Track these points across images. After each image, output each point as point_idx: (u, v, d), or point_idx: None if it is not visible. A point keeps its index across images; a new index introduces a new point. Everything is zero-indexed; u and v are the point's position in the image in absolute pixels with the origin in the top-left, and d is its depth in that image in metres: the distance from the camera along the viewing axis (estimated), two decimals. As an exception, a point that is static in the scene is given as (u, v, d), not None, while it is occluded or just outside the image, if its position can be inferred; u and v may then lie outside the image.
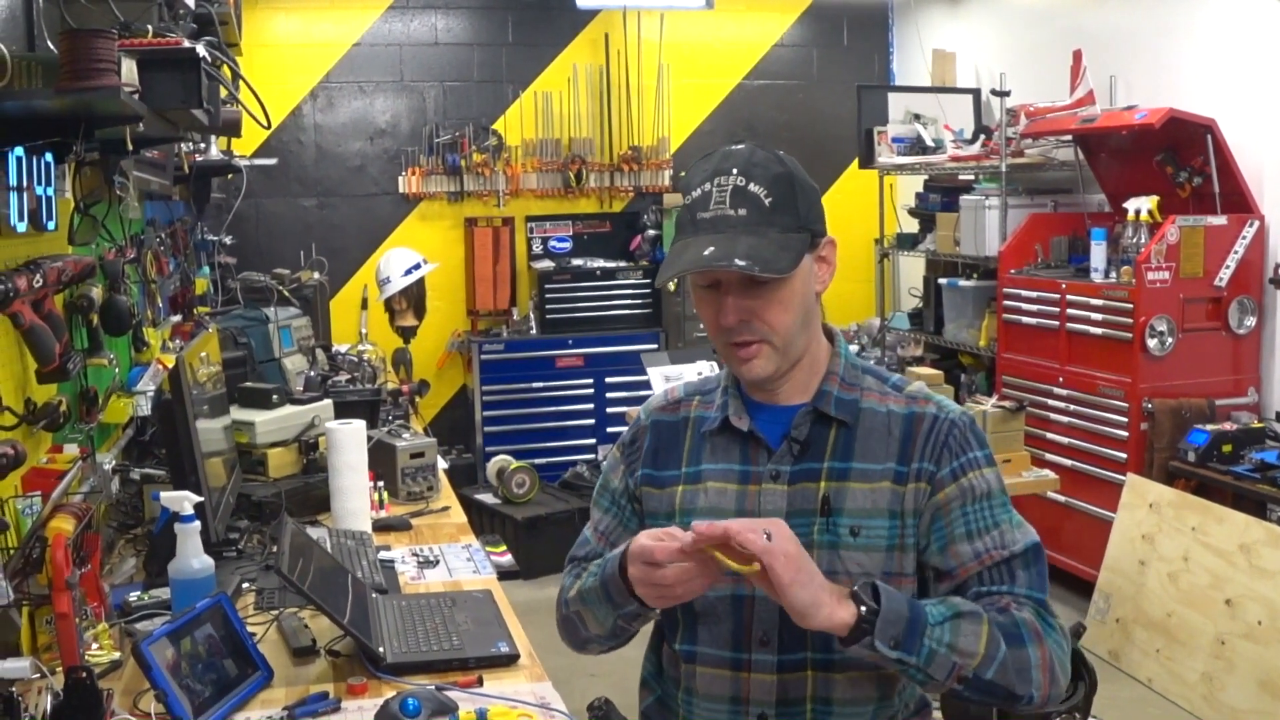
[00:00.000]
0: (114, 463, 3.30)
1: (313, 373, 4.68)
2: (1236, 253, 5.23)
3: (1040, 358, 5.79)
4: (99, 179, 3.11)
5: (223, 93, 2.78)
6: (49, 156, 2.49)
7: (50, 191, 2.55)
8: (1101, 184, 6.05)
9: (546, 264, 7.48)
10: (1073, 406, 5.57)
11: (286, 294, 5.27)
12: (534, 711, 2.09)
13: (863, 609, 1.62)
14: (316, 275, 6.03)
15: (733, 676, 1.80)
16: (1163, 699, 4.67)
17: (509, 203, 7.55)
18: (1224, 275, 5.24)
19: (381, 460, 3.66)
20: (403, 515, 3.44)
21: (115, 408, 3.22)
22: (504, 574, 3.13)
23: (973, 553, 1.76)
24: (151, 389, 3.39)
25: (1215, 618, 4.53)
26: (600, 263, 7.54)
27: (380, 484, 3.57)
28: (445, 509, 3.59)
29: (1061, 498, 5.56)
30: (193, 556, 2.43)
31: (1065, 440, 5.61)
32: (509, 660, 2.32)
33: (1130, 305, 5.21)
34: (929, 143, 6.79)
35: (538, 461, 6.82)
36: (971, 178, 6.60)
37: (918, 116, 6.99)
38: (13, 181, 2.33)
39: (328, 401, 3.85)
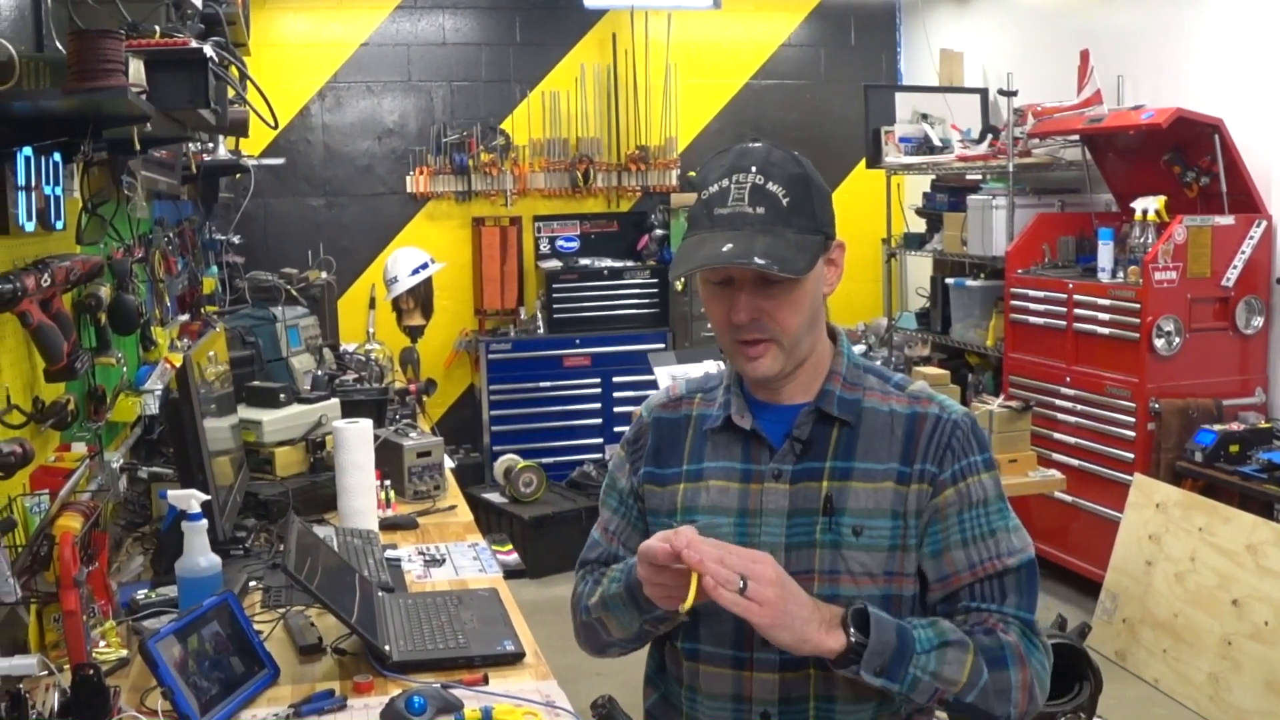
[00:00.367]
0: (122, 461, 3.31)
1: (320, 372, 4.69)
2: (1244, 253, 5.22)
3: (1047, 357, 5.78)
4: (107, 179, 3.12)
5: (230, 93, 2.78)
6: (57, 156, 2.50)
7: (58, 191, 2.57)
8: (1109, 184, 6.05)
9: (554, 264, 7.49)
10: (1080, 406, 5.57)
11: (294, 293, 5.28)
12: (539, 710, 2.09)
13: (852, 639, 1.64)
14: (324, 274, 6.04)
15: (735, 675, 1.81)
16: (1169, 699, 4.66)
17: (516, 202, 7.56)
18: (1231, 275, 5.24)
19: (388, 459, 3.66)
20: (409, 514, 3.44)
21: (123, 406, 3.22)
22: (510, 573, 3.13)
23: (967, 562, 1.77)
24: (159, 388, 3.40)
25: (1222, 618, 4.53)
26: (608, 262, 7.55)
27: (387, 483, 3.58)
28: (452, 508, 3.60)
29: (1068, 497, 5.55)
30: (200, 555, 2.43)
31: (1072, 440, 5.61)
32: (514, 659, 2.32)
33: (1137, 305, 5.20)
34: (936, 142, 6.79)
35: (545, 461, 6.84)
36: (979, 177, 6.60)
37: (925, 116, 6.98)
38: (21, 181, 2.34)
39: (335, 401, 3.86)
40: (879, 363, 1.92)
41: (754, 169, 1.73)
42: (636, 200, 7.80)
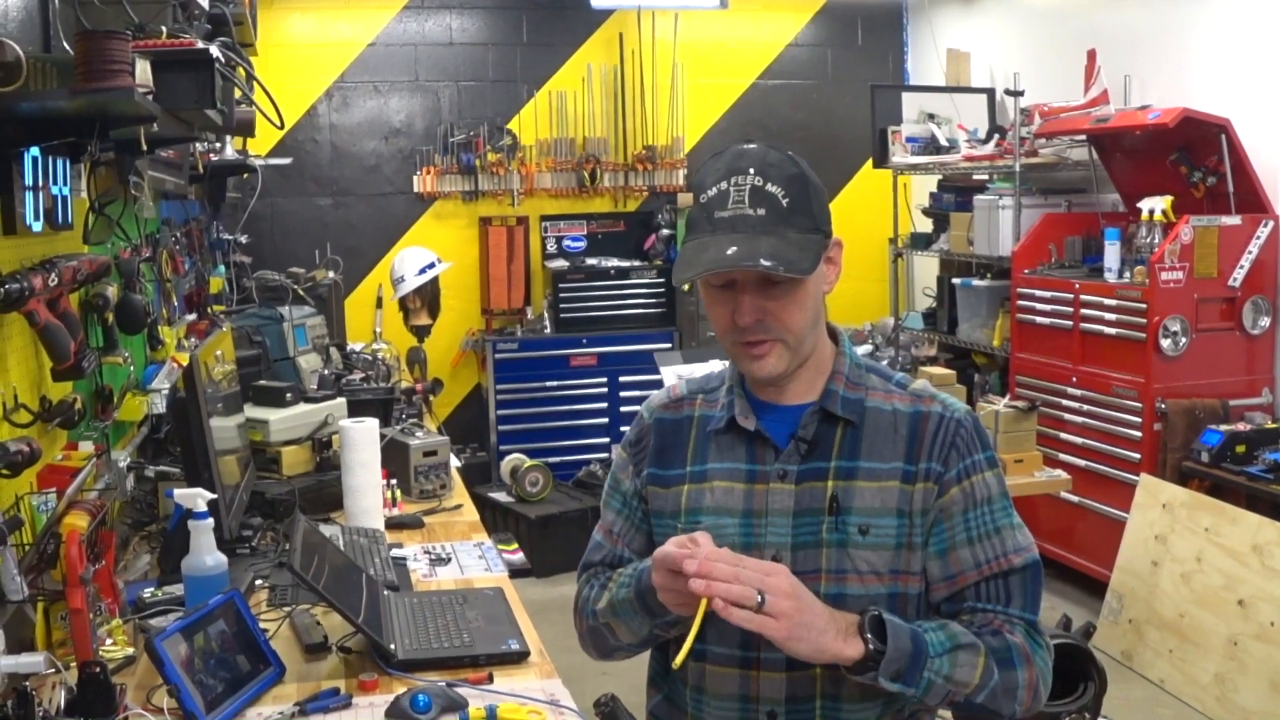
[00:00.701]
0: (129, 460, 3.32)
1: (327, 371, 4.70)
2: (1251, 253, 5.22)
3: (1054, 358, 5.78)
4: (114, 179, 3.14)
5: (236, 93, 2.79)
6: (64, 156, 2.51)
7: (66, 191, 2.58)
8: (1115, 184, 6.04)
9: (561, 263, 7.49)
10: (1086, 406, 5.57)
11: (301, 293, 5.30)
12: (543, 709, 2.10)
13: (870, 647, 1.65)
14: (331, 274, 6.06)
15: (741, 675, 1.81)
16: (1175, 699, 4.66)
17: (523, 202, 7.57)
18: (1238, 275, 5.23)
19: (394, 458, 3.67)
20: (415, 513, 3.45)
21: (130, 405, 3.23)
22: (516, 572, 3.14)
23: (973, 561, 1.78)
24: (166, 387, 3.41)
25: (1228, 618, 4.52)
26: (614, 262, 7.55)
27: (393, 482, 3.59)
28: (458, 507, 3.61)
29: (1075, 498, 5.55)
30: (206, 553, 2.44)
31: (1079, 440, 5.61)
32: (519, 657, 2.33)
33: (1144, 305, 5.20)
34: (943, 142, 6.78)
35: (551, 460, 6.84)
36: (985, 177, 6.59)
37: (932, 116, 6.97)
38: (29, 181, 2.35)
39: (341, 400, 3.87)
40: (885, 363, 1.92)
41: (752, 170, 1.73)
42: (643, 200, 7.80)
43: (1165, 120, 5.19)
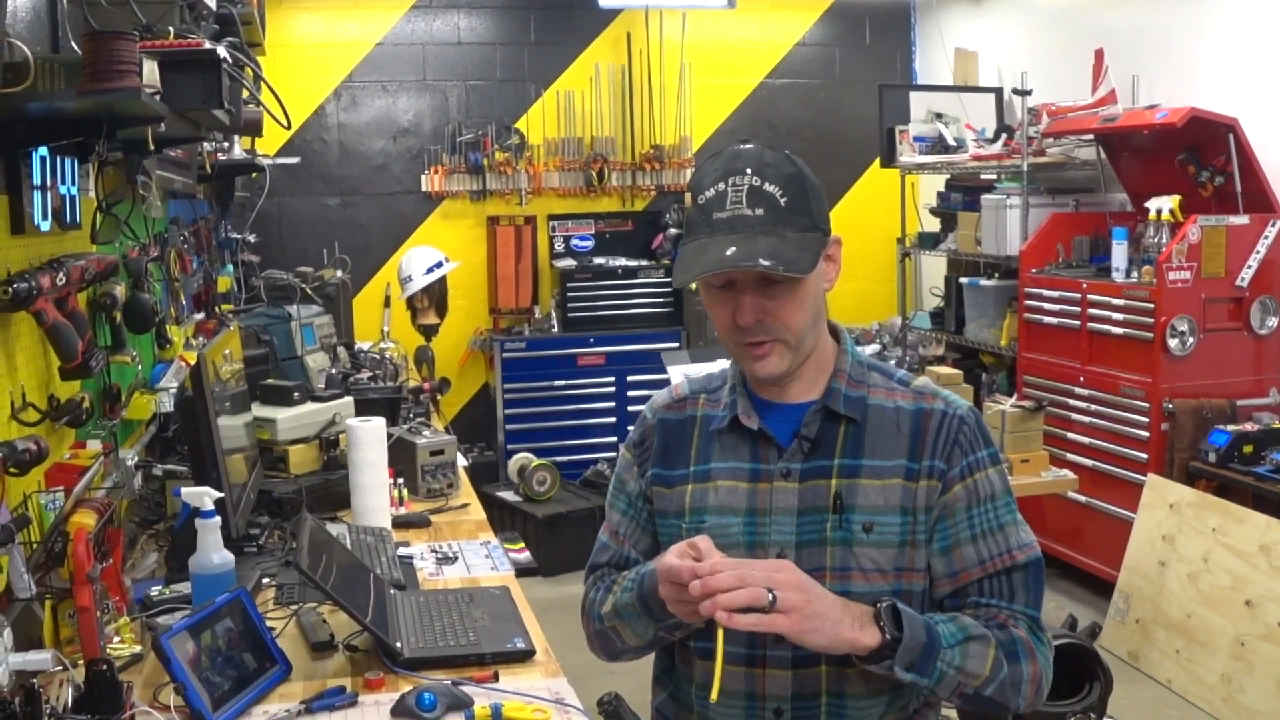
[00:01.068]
0: (136, 459, 3.34)
1: (334, 370, 4.70)
2: (1258, 252, 5.21)
3: (1061, 357, 5.77)
4: (122, 178, 3.15)
5: (244, 93, 2.80)
6: (72, 156, 2.52)
7: (74, 191, 2.59)
8: (1123, 183, 6.03)
9: (568, 263, 7.50)
10: (1093, 406, 5.56)
11: (309, 292, 5.29)
12: (549, 707, 2.10)
13: (887, 636, 1.65)
14: (339, 273, 6.06)
15: (748, 673, 1.81)
16: (1182, 700, 4.65)
17: (531, 201, 7.58)
18: (1246, 275, 5.22)
19: (401, 457, 3.68)
20: (422, 512, 3.46)
21: (138, 404, 3.24)
22: (522, 571, 3.14)
23: (977, 557, 1.79)
24: (174, 386, 3.42)
25: (1235, 619, 4.52)
26: (622, 261, 7.55)
27: (400, 481, 3.59)
28: (465, 506, 3.61)
29: (1082, 498, 5.55)
30: (213, 552, 2.45)
31: (1086, 440, 5.60)
32: (525, 656, 2.34)
33: (1151, 305, 5.19)
34: (951, 142, 6.78)
35: (559, 459, 6.85)
36: (993, 177, 6.59)
37: (939, 116, 6.98)
38: (37, 181, 2.36)
39: (349, 399, 3.87)
40: (893, 362, 1.93)
41: (749, 171, 1.73)
42: (651, 199, 7.81)
43: (1173, 120, 5.18)
